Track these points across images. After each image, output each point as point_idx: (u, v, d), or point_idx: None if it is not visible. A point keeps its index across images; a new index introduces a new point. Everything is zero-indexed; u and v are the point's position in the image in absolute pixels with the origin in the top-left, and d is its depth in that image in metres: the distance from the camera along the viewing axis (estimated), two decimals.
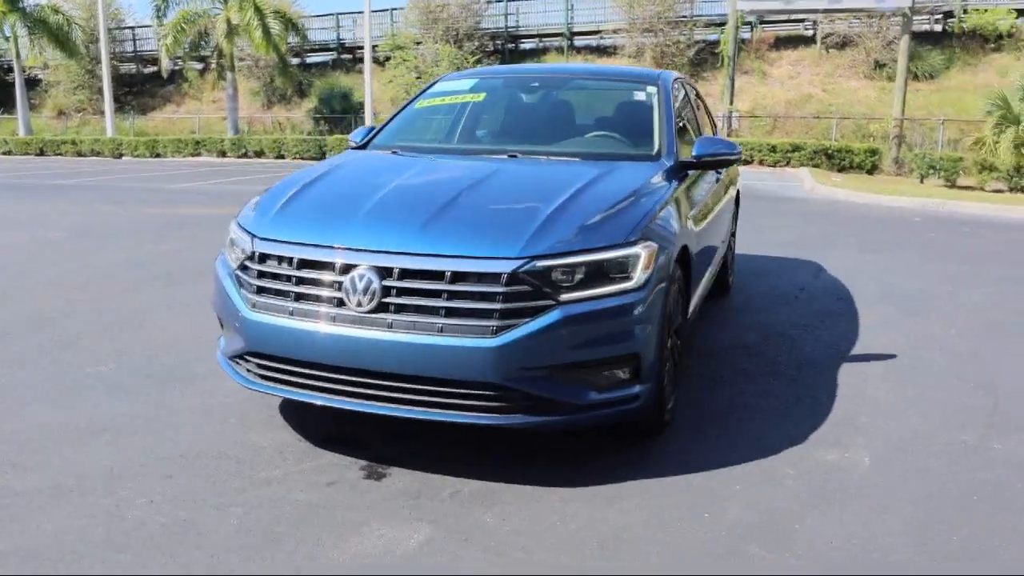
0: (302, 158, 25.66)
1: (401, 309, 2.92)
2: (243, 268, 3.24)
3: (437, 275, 2.92)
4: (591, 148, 4.21)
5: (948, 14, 30.95)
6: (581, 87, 4.73)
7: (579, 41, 35.27)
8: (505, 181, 3.61)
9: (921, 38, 31.04)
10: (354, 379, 3.01)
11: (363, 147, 4.38)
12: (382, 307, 2.92)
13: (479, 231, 3.07)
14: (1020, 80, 20.85)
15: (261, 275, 3.17)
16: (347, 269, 2.99)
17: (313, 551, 2.55)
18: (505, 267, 2.88)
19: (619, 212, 3.20)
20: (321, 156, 25.81)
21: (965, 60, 30.33)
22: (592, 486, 3.04)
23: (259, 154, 26.69)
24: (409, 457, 3.23)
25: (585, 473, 3.14)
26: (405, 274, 2.93)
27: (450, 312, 2.89)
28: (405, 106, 4.61)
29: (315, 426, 3.51)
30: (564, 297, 2.90)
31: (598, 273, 2.97)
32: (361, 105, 30.02)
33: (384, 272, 2.94)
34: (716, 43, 33.38)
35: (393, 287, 2.92)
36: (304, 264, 3.08)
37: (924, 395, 4.10)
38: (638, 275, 3.03)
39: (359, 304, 2.93)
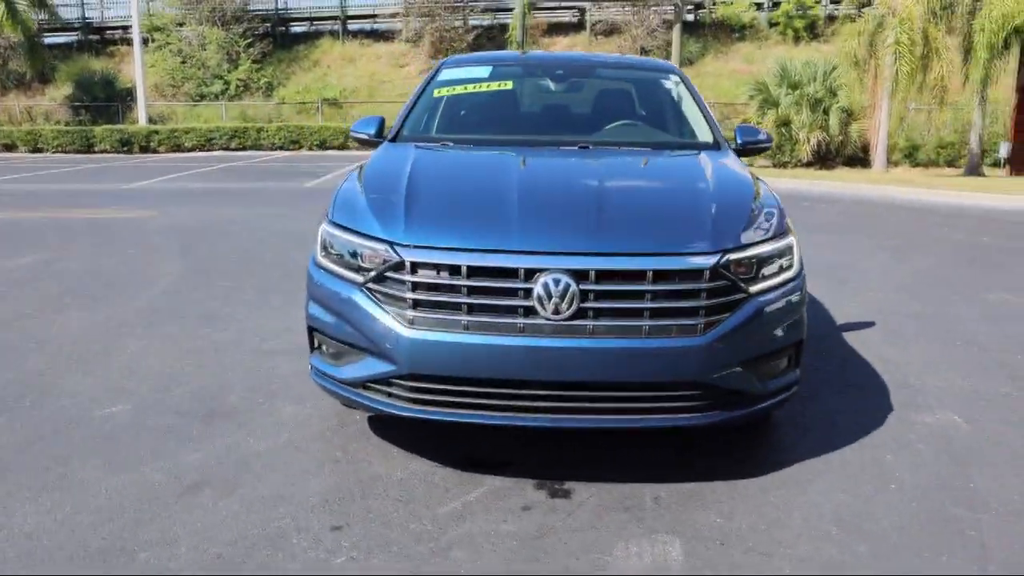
0: (64, 151, 22.92)
1: (601, 313, 2.73)
2: (379, 280, 2.86)
3: (637, 275, 2.75)
4: (652, 137, 4.13)
5: (699, 5, 33.80)
6: (604, 75, 4.64)
7: (353, 25, 34.43)
8: (627, 175, 3.48)
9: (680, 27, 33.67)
10: (535, 393, 2.77)
11: (395, 140, 4.01)
12: (580, 313, 2.71)
13: (665, 228, 2.94)
14: (776, 67, 23.45)
15: (417, 287, 2.81)
16: (531, 275, 2.74)
17: None
18: (706, 262, 2.78)
19: (761, 203, 3.20)
20: (89, 148, 23.19)
21: (717, 48, 33.39)
22: (767, 474, 3.02)
23: (9, 148, 23.44)
24: (566, 469, 3.03)
25: (744, 463, 3.14)
26: (602, 276, 2.74)
27: (656, 313, 2.74)
28: (418, 97, 4.26)
29: (441, 451, 3.17)
30: (752, 289, 2.87)
31: (772, 264, 2.97)
32: (128, 92, 27.28)
33: (580, 275, 2.73)
34: (493, 28, 34.13)
35: (591, 291, 2.72)
36: (476, 272, 2.78)
37: (933, 355, 4.52)
38: (796, 263, 3.07)
39: (556, 311, 2.70)
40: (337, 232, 3.04)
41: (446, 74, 4.42)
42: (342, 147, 23.88)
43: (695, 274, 2.77)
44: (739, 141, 4.06)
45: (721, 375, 2.80)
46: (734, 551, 2.51)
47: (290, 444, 3.22)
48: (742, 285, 2.83)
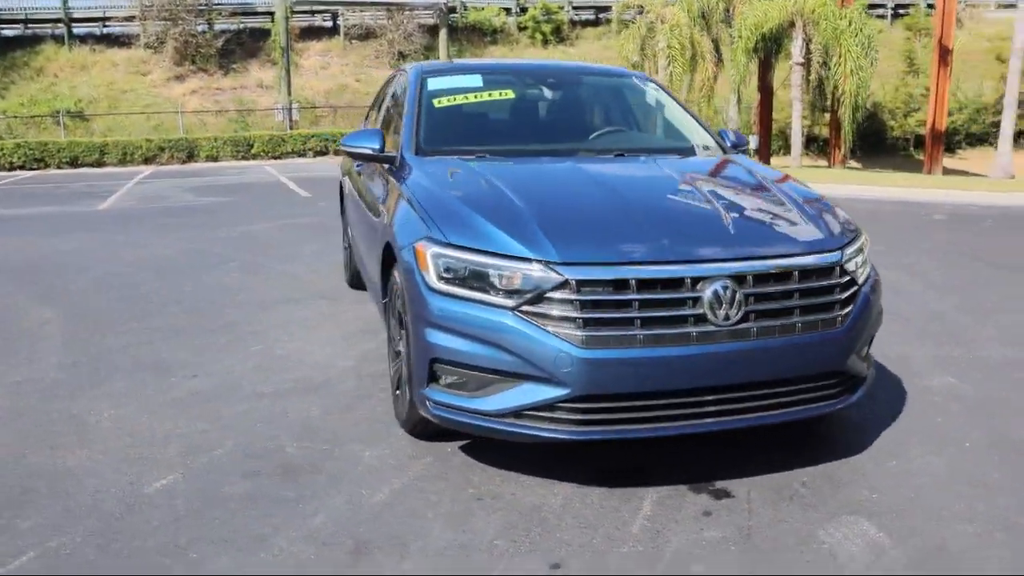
0: None
1: (761, 315, 2.81)
2: (536, 302, 2.71)
3: (786, 276, 2.87)
4: (673, 143, 4.24)
5: (452, 9, 34.49)
6: (591, 83, 4.64)
7: (80, 29, 31.22)
8: (709, 182, 3.56)
9: (433, 32, 34.24)
10: (702, 398, 2.80)
11: (420, 154, 3.78)
12: (745, 316, 2.77)
13: (793, 230, 3.06)
14: None
15: (585, 305, 2.70)
16: (695, 283, 2.75)
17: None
18: (835, 258, 2.97)
19: (822, 201, 3.44)
20: None
21: (472, 51, 34.33)
22: (864, 451, 3.27)
23: None
24: (699, 470, 3.08)
25: (832, 443, 3.37)
26: (758, 279, 2.83)
27: (804, 310, 2.88)
28: (419, 108, 4.03)
29: (570, 470, 3.05)
30: (859, 281, 3.09)
31: (862, 256, 3.21)
32: None
33: (739, 280, 2.79)
34: (243, 33, 32.50)
35: (752, 294, 2.80)
36: (645, 285, 2.73)
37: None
38: (867, 256, 3.35)
39: (727, 317, 2.74)
40: (462, 255, 2.84)
41: (433, 83, 4.23)
42: (98, 163, 21.53)
43: (830, 271, 2.95)
44: (731, 143, 4.30)
45: (850, 362, 3.01)
46: (915, 520, 2.71)
47: (411, 488, 2.95)
48: (857, 278, 3.05)
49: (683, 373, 2.73)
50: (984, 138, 27.87)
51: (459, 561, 2.48)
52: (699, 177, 3.61)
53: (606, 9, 36.51)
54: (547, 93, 4.45)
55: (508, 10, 35.57)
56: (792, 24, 17.02)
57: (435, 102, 4.10)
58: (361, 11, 33.59)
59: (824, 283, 2.92)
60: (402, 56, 32.94)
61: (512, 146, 3.93)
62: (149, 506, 2.83)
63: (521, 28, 35.70)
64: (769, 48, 17.88)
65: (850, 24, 16.15)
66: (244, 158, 22.24)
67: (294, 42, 32.14)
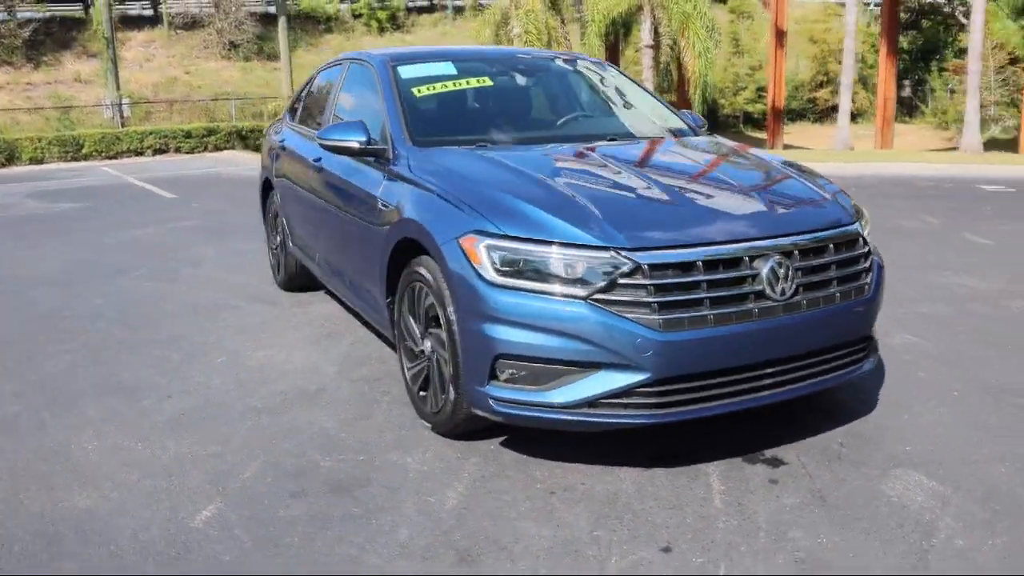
0: None
1: (808, 287, 2.94)
2: (609, 289, 2.70)
3: (823, 248, 3.01)
4: (658, 126, 4.28)
5: None
6: (558, 69, 4.57)
7: None
8: (713, 163, 3.63)
9: (265, 20, 32.90)
10: (760, 372, 2.90)
11: (419, 145, 3.63)
12: (795, 290, 2.89)
13: (817, 204, 3.20)
14: None
15: (658, 289, 2.71)
16: (751, 261, 2.84)
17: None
18: (857, 229, 3.15)
19: (822, 178, 3.63)
20: None
21: (307, 40, 33.28)
22: (875, 409, 3.52)
23: None
24: (742, 443, 3.20)
25: (843, 405, 3.59)
26: (804, 252, 2.95)
27: (840, 280, 3.03)
28: (398, 98, 3.86)
29: (624, 455, 3.07)
30: (872, 249, 3.30)
31: (868, 227, 3.42)
32: None
33: (787, 254, 2.90)
34: (51, 22, 29.84)
35: (800, 267, 2.91)
36: (710, 265, 2.78)
37: None
38: None
39: (783, 292, 2.84)
40: (522, 246, 2.78)
41: (406, 72, 4.07)
42: None
43: (855, 241, 3.13)
44: (694, 125, 4.43)
45: (874, 326, 3.22)
46: (955, 467, 2.95)
47: (478, 490, 2.87)
48: (871, 247, 3.25)
49: (748, 349, 2.82)
50: (803, 114, 30.21)
51: (572, 556, 2.45)
52: (711, 158, 3.72)
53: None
54: (521, 80, 4.40)
55: None
56: (640, 8, 17.66)
57: (415, 91, 3.96)
58: None
59: (853, 253, 3.10)
60: (233, 46, 31.48)
61: (507, 134, 3.86)
62: (207, 540, 2.59)
63: (356, 15, 34.95)
64: (619, 32, 18.48)
65: (695, 8, 16.96)
66: (74, 159, 20.44)
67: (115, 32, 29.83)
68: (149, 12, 33.03)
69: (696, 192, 3.17)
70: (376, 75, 4.10)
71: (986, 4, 16.60)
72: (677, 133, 4.18)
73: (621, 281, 2.69)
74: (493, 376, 2.85)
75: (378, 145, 3.72)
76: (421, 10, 37.13)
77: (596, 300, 2.69)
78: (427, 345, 3.28)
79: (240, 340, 4.64)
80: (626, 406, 2.76)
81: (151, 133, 21.09)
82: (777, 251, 2.87)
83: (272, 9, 33.02)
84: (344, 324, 4.90)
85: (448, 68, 4.17)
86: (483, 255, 2.82)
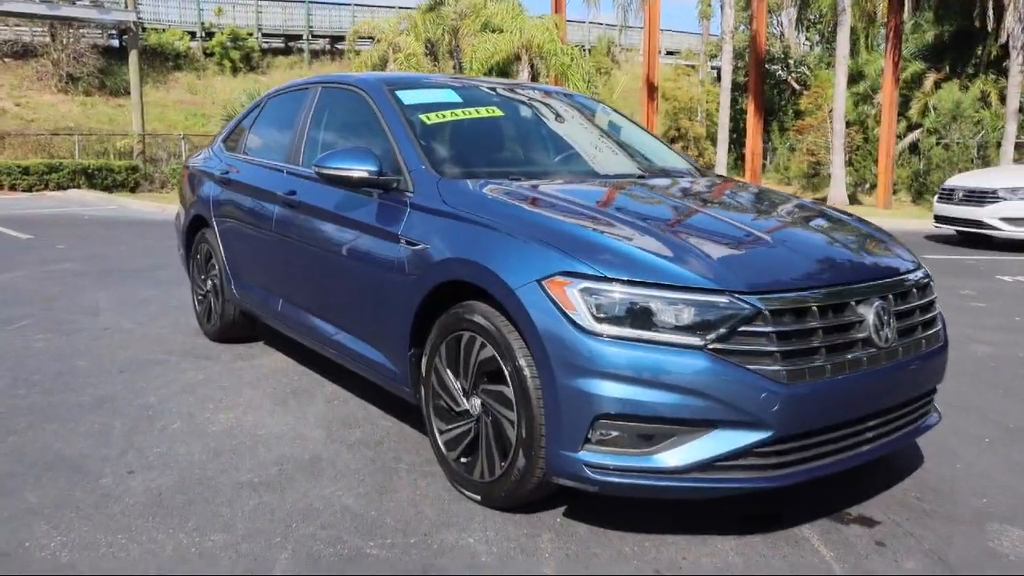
0: None
1: (901, 333, 2.77)
2: (728, 337, 2.40)
3: (909, 293, 2.86)
4: (677, 164, 4.08)
5: (125, 31, 31.38)
6: (556, 103, 4.25)
7: None
8: (776, 205, 3.46)
9: (108, 53, 30.97)
10: (864, 426, 2.68)
11: (447, 175, 3.22)
12: (894, 336, 2.71)
13: (891, 250, 3.06)
14: (244, 96, 23.38)
15: (781, 337, 2.44)
16: (857, 305, 2.63)
17: None
18: (926, 275, 3.04)
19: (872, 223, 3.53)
20: None
21: (154, 77, 31.52)
22: (921, 466, 3.39)
23: None
24: (816, 502, 2.96)
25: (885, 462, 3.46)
26: (897, 298, 2.79)
27: (923, 325, 2.89)
28: (410, 126, 3.44)
29: (710, 517, 2.77)
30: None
31: None
32: None
33: (884, 299, 2.72)
34: None
35: (895, 312, 2.74)
36: (825, 310, 2.55)
37: None
38: None
39: (886, 339, 2.65)
40: (625, 289, 2.44)
41: (407, 97, 3.67)
42: None
43: (927, 286, 3.01)
44: (694, 164, 4.29)
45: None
46: None
47: (572, 569, 2.47)
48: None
49: (860, 400, 2.61)
50: None
51: None
52: (764, 198, 3.55)
53: (297, 38, 35.67)
54: (527, 111, 4.09)
55: (192, 34, 33.24)
56: (519, 57, 17.84)
57: (424, 118, 3.56)
58: (17, 25, 29.28)
59: (929, 299, 2.98)
60: (72, 79, 29.32)
61: (536, 167, 3.54)
62: None
63: (208, 54, 33.53)
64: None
65: (572, 60, 17.33)
66: None
67: None
68: None
69: (780, 233, 2.96)
70: (372, 100, 3.66)
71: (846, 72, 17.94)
72: (700, 172, 4.03)
73: (741, 328, 2.41)
74: (588, 439, 2.47)
75: (390, 175, 3.28)
76: (276, 51, 36.11)
77: (714, 349, 2.39)
78: (473, 404, 2.85)
79: (190, 401, 3.98)
80: (741, 468, 2.46)
81: None
82: (877, 295, 2.69)
83: (116, 43, 31.11)
84: (306, 379, 4.33)
85: (451, 95, 3.80)
86: (577, 300, 2.46)
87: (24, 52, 29.77)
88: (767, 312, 2.43)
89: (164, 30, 32.20)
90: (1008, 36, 17.46)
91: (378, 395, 3.93)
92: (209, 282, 4.99)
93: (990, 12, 19.61)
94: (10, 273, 7.55)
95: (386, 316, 3.21)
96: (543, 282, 2.52)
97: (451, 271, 2.87)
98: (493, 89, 4.14)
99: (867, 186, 25.53)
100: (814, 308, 2.52)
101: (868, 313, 2.62)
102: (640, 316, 2.42)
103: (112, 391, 4.12)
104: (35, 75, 29.45)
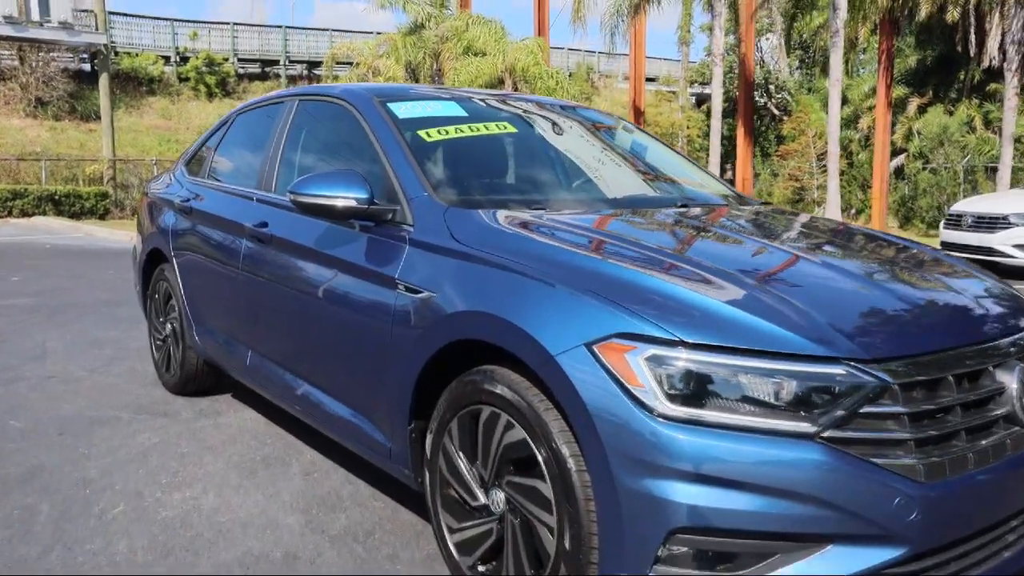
0: None
1: None
2: (845, 422, 1.78)
3: None
4: (721, 190, 3.50)
5: (95, 55, 30.63)
6: (577, 119, 3.61)
7: None
8: (851, 239, 2.89)
9: (79, 77, 30.23)
10: (1006, 528, 2.07)
11: (463, 205, 2.60)
12: None
13: (1010, 299, 2.45)
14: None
15: (914, 420, 1.83)
16: (994, 373, 2.03)
17: None
18: None
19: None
20: None
21: (127, 102, 30.82)
22: None
23: None
24: None
25: None
26: None
27: None
28: (404, 143, 2.83)
29: None
30: None
31: None
32: None
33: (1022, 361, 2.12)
34: None
35: None
36: (963, 381, 1.95)
37: None
38: None
39: None
40: (706, 357, 1.82)
41: (400, 110, 3.04)
42: None
43: None
44: (733, 190, 3.71)
45: None
46: None
47: None
48: None
49: (1007, 495, 2.00)
50: None
51: None
52: (853, 236, 2.94)
53: (273, 63, 35.08)
54: (543, 126, 3.48)
55: (167, 58, 32.58)
56: (502, 81, 17.37)
57: (422, 135, 2.95)
58: None
59: None
60: (41, 104, 28.54)
61: (562, 195, 2.93)
62: None
63: (183, 79, 32.87)
64: None
65: (558, 83, 16.88)
66: None
67: None
68: None
69: (890, 281, 2.36)
70: (359, 114, 3.05)
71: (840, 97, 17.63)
72: (740, 198, 3.43)
73: (864, 409, 1.80)
74: (659, 558, 1.83)
75: (382, 204, 2.66)
76: (252, 77, 35.50)
77: (830, 438, 1.77)
78: (495, 499, 2.21)
79: (139, 474, 3.30)
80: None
81: None
82: (1017, 356, 2.09)
83: (87, 67, 30.33)
84: (280, 444, 3.67)
85: (453, 108, 3.19)
86: (643, 371, 1.83)
87: None
88: (896, 386, 1.82)
89: (137, 54, 31.53)
90: (1004, 58, 17.21)
91: (367, 466, 3.28)
92: (168, 325, 4.33)
93: (972, 37, 19.48)
94: None
95: (380, 381, 2.58)
96: (595, 347, 1.90)
97: (465, 327, 2.24)
98: (502, 102, 3.52)
99: (853, 211, 25.30)
100: (950, 378, 1.92)
101: (1011, 380, 2.02)
102: (728, 393, 1.80)
103: (46, 460, 3.44)
104: (2, 99, 28.62)
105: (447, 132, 3.00)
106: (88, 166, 23.09)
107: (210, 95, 32.83)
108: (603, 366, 1.88)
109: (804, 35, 30.61)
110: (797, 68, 35.56)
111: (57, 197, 19.82)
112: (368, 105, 3.06)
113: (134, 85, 31.54)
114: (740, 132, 18.93)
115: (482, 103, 3.38)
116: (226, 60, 33.38)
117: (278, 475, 3.30)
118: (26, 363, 5.05)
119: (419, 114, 3.08)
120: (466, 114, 3.17)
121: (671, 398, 1.81)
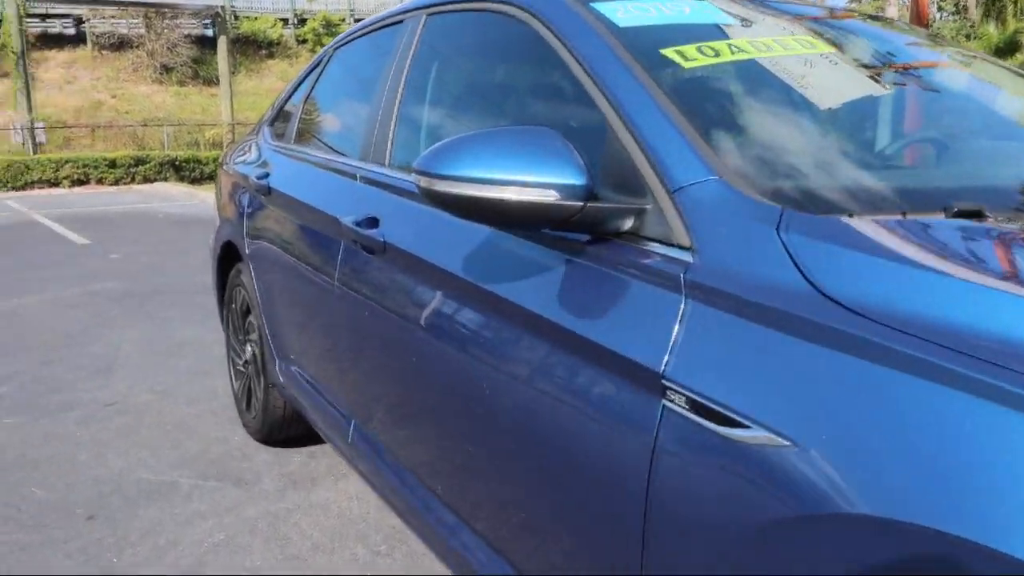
0: None
1: None
2: None
3: None
4: None
5: (235, 16, 30.46)
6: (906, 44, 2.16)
7: None
8: None
9: (202, 43, 30.26)
10: None
11: (813, 206, 1.17)
12: None
13: None
14: None
15: None
16: None
17: None
18: None
19: None
20: None
21: (247, 66, 30.68)
22: None
23: None
24: None
25: None
26: None
27: None
28: (651, 76, 1.43)
29: None
30: None
31: None
32: None
33: None
34: None
35: None
36: None
37: None
38: None
39: None
40: None
41: (621, 13, 1.63)
42: None
43: None
44: None
45: None
46: None
47: None
48: None
49: None
50: None
51: None
52: None
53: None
54: (881, 55, 1.93)
55: (285, 21, 32.28)
56: None
57: (675, 58, 1.51)
58: (113, 17, 28.77)
59: None
60: (166, 70, 28.68)
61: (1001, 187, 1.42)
62: None
63: (301, 40, 32.53)
64: None
65: None
66: None
67: (30, 50, 26.85)
68: (71, 31, 30.01)
69: None
70: (543, 24, 1.63)
71: None
72: None
73: None
74: None
75: (614, 199, 1.27)
76: None
77: None
78: None
79: None
80: None
81: (68, 161, 18.12)
82: None
83: (209, 32, 30.31)
84: (400, 549, 2.40)
85: (703, 13, 1.73)
86: None
87: (120, 44, 29.34)
88: None
89: (257, 18, 31.30)
90: None
91: None
92: (248, 348, 3.13)
93: None
94: (31, 297, 5.93)
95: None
96: None
97: (894, 559, 0.82)
98: (794, 13, 1.97)
99: None
100: None
101: None
102: None
103: (57, 567, 2.28)
104: (131, 67, 28.98)
105: (716, 51, 1.55)
106: (208, 130, 22.85)
107: None
108: None
109: None
110: (951, 14, 31.81)
111: (178, 163, 19.53)
112: (561, 8, 1.64)
113: (254, 48, 31.41)
114: None
115: (758, 8, 1.88)
116: (343, 21, 32.78)
117: None
118: (86, 379, 3.99)
119: (653, 20, 1.65)
120: (732, 21, 1.71)
121: None
